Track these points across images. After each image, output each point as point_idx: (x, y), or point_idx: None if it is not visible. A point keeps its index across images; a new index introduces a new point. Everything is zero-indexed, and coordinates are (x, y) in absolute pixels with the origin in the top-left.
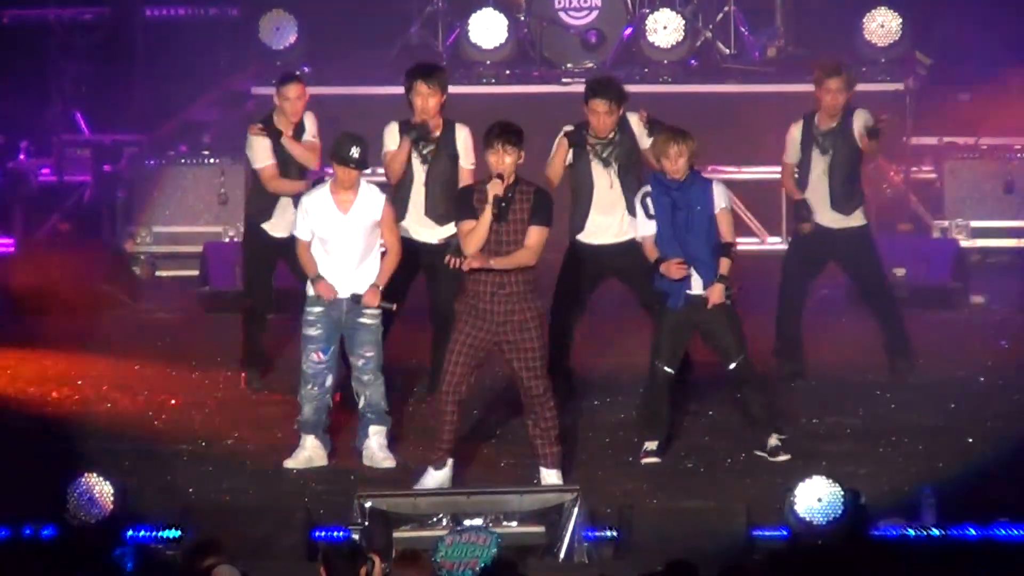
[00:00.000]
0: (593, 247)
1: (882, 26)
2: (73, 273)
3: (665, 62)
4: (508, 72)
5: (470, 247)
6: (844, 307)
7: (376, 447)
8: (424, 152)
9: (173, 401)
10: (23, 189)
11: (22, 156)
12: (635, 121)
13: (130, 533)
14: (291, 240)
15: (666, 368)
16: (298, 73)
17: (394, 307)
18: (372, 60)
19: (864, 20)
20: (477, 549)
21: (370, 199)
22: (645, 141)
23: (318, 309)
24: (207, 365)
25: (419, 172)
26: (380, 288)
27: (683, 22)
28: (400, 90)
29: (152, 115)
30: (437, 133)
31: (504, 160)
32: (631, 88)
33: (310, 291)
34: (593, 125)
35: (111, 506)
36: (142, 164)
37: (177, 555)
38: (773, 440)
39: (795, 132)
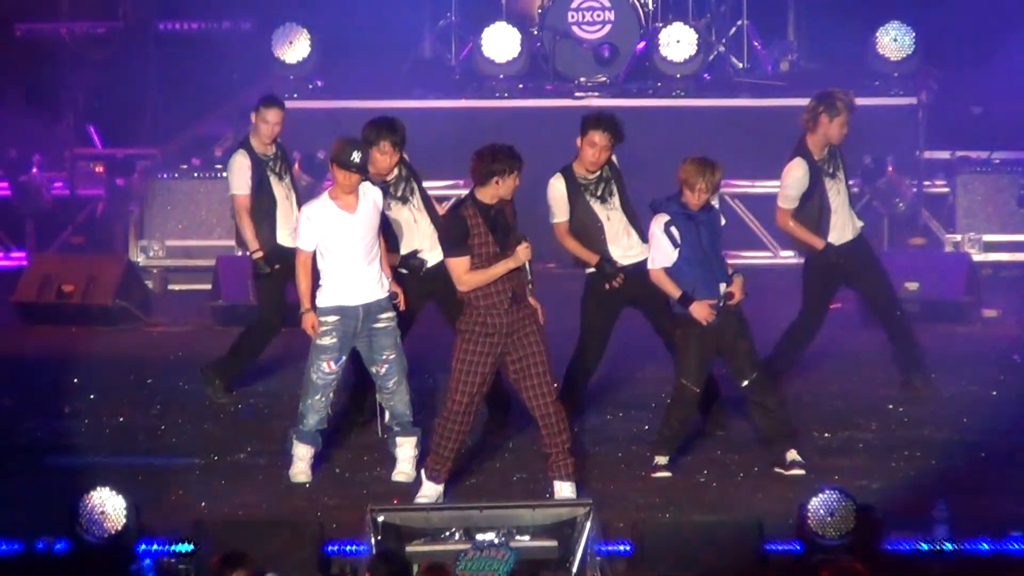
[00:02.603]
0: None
1: (894, 40)
2: (85, 287)
3: (678, 76)
4: (521, 86)
5: (472, 286)
6: (857, 322)
7: (405, 460)
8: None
9: (185, 415)
10: (36, 203)
11: (35, 170)
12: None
13: (142, 548)
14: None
15: (696, 388)
16: (279, 98)
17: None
18: (385, 74)
19: (877, 34)
20: (495, 563)
21: (372, 193)
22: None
23: (333, 318)
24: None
25: (419, 212)
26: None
27: (696, 36)
28: (413, 103)
29: (165, 129)
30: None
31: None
32: (644, 102)
33: (321, 301)
34: (584, 157)
35: (123, 521)
36: (155, 178)
37: (196, 568)
38: (791, 455)
39: (800, 172)
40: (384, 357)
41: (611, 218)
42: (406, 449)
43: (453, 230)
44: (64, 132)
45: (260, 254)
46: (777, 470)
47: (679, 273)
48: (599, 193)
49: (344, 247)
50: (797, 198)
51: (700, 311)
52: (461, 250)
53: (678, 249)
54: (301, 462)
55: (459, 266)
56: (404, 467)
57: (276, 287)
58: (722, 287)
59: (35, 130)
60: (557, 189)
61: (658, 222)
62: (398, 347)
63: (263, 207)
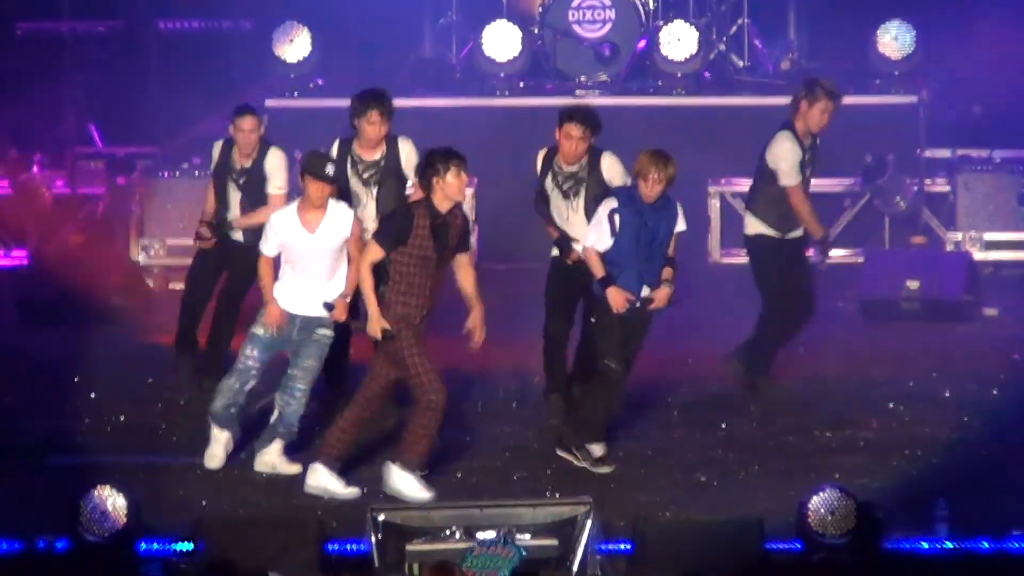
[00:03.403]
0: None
1: (896, 39)
2: (87, 285)
3: (679, 74)
4: (522, 84)
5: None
6: (858, 320)
7: (278, 456)
8: (366, 176)
9: (186, 414)
10: (36, 202)
11: (36, 169)
12: (608, 164)
13: (143, 546)
14: None
15: (619, 367)
16: (251, 106)
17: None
18: (386, 72)
19: (878, 33)
20: (500, 561)
21: (338, 217)
22: (618, 182)
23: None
24: (220, 377)
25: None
26: (347, 300)
27: (697, 35)
28: (414, 102)
29: (166, 128)
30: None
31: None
32: (645, 101)
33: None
34: (563, 150)
35: (124, 519)
36: (155, 176)
37: (198, 567)
38: (599, 450)
39: (788, 143)
40: (303, 365)
41: (570, 219)
42: (275, 447)
43: (397, 225)
44: (65, 131)
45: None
46: (563, 455)
47: (608, 259)
48: (565, 187)
49: (301, 262)
50: (796, 170)
51: (614, 297)
52: (390, 244)
53: (614, 237)
54: (216, 444)
55: (374, 253)
56: (267, 458)
57: (203, 267)
58: (645, 289)
59: (36, 129)
60: (537, 160)
61: (605, 205)
62: (319, 361)
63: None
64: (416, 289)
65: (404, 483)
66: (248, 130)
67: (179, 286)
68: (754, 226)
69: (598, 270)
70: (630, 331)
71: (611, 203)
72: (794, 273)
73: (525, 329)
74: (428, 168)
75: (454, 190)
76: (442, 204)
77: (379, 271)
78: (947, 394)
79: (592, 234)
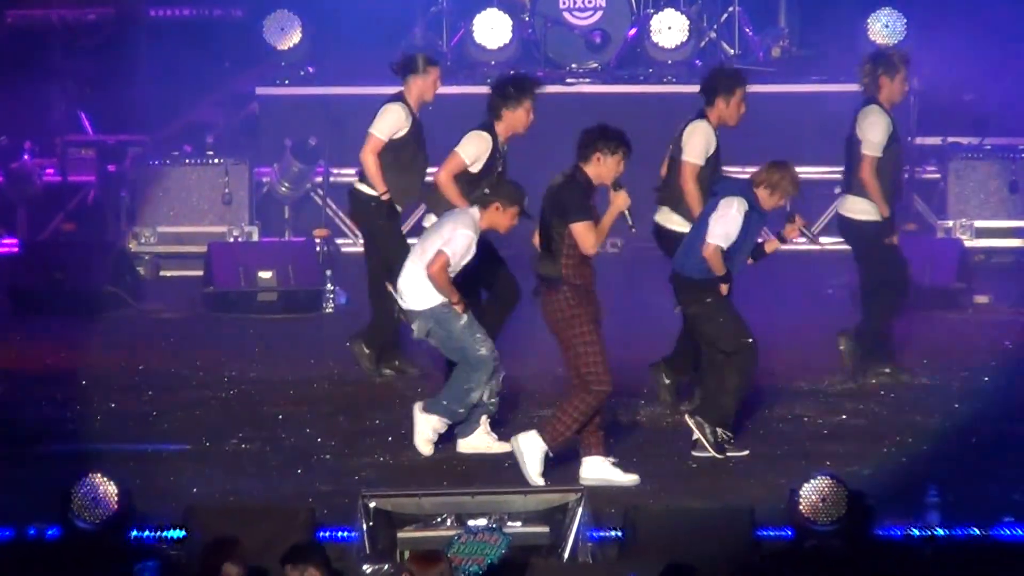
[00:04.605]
0: None
1: (886, 26)
2: (77, 273)
3: (669, 62)
4: (512, 72)
5: (599, 244)
6: (848, 306)
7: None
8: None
9: (177, 401)
10: (27, 189)
11: (26, 156)
12: None
13: (134, 534)
14: None
15: (750, 339)
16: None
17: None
18: (377, 60)
19: (868, 20)
20: (488, 547)
21: None
22: None
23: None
24: (211, 365)
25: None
26: None
27: (687, 22)
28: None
29: (156, 115)
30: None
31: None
32: (635, 89)
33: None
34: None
35: (116, 507)
36: (146, 164)
37: (188, 554)
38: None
39: (884, 119)
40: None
41: None
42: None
43: (579, 195)
44: (55, 118)
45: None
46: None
47: (726, 258)
48: (493, 162)
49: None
50: (882, 145)
51: (726, 289)
52: (587, 214)
53: (737, 237)
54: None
55: (586, 229)
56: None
57: None
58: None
59: (26, 116)
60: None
61: (741, 205)
62: None
63: None
64: (588, 260)
65: (605, 471)
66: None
67: (169, 273)
68: (862, 212)
69: (721, 268)
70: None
71: (744, 204)
72: (893, 253)
73: (517, 317)
74: (600, 141)
75: (610, 172)
76: (594, 179)
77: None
78: (938, 381)
79: (722, 231)
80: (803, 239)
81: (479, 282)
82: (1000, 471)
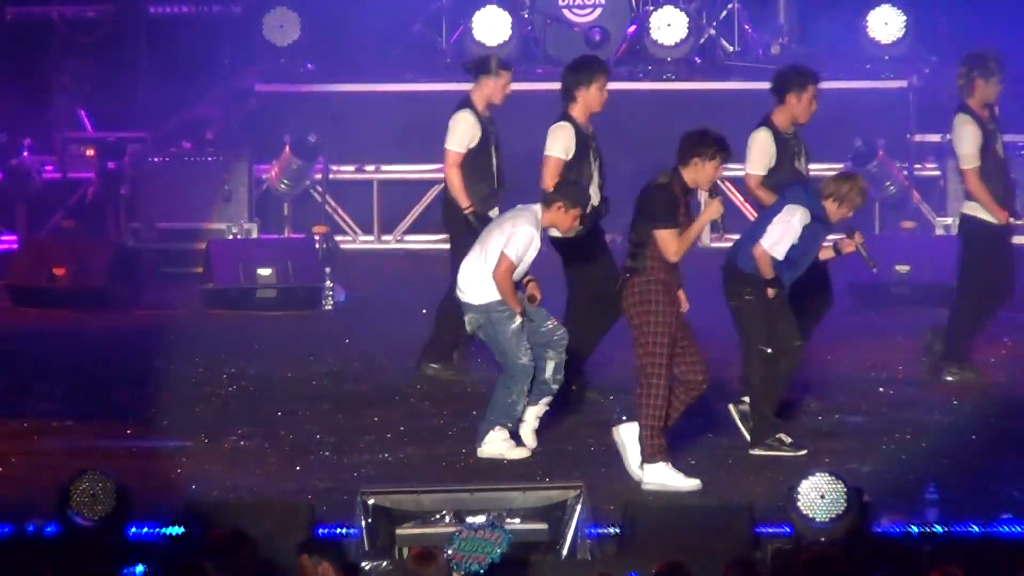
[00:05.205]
0: None
1: (886, 23)
2: (77, 270)
3: (669, 59)
4: (512, 69)
5: (682, 253)
6: (847, 304)
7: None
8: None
9: (176, 398)
10: (27, 186)
11: (26, 153)
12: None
13: (133, 530)
14: None
15: (800, 342)
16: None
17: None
18: (376, 57)
19: (868, 17)
20: (488, 545)
21: None
22: None
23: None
24: (210, 362)
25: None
26: None
27: (687, 20)
28: (404, 87)
29: (156, 112)
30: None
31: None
32: (635, 86)
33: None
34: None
35: (114, 503)
36: (146, 161)
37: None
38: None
39: (972, 127)
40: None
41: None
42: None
43: (664, 202)
44: (55, 115)
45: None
46: (760, 453)
47: (784, 264)
48: (584, 145)
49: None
50: (977, 155)
51: (771, 294)
52: (672, 221)
53: (793, 244)
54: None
55: (670, 237)
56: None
57: None
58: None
59: (26, 114)
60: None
61: (803, 216)
62: None
63: None
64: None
65: (666, 477)
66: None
67: (169, 270)
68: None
69: (769, 271)
70: None
71: (807, 214)
72: (1003, 256)
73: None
74: (698, 146)
75: (707, 177)
76: (690, 181)
77: None
78: (937, 379)
79: (779, 239)
80: (862, 257)
81: (585, 281)
82: (999, 468)
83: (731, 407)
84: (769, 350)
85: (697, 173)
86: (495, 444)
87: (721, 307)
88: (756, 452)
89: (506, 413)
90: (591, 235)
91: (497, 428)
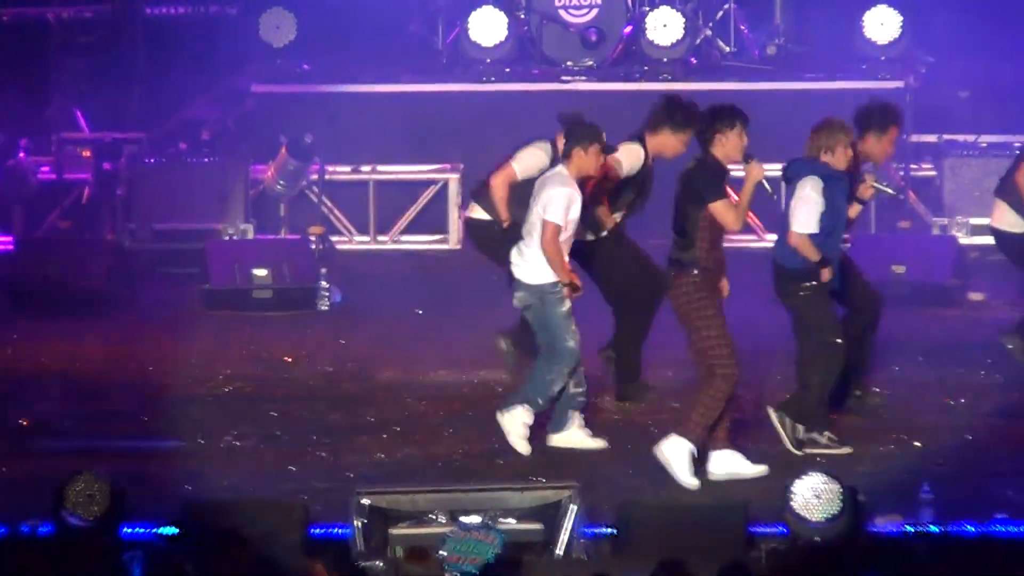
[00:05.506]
0: None
1: (882, 24)
2: (73, 271)
3: (665, 60)
4: (508, 70)
5: (742, 218)
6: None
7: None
8: None
9: (171, 397)
10: (23, 187)
11: (22, 154)
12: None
13: (127, 531)
14: None
15: (840, 339)
16: None
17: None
18: (372, 58)
19: (864, 18)
20: (483, 546)
21: None
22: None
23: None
24: (206, 362)
25: None
26: None
27: (683, 20)
28: (400, 87)
29: (152, 113)
30: None
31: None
32: (631, 86)
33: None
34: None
35: (108, 504)
36: (142, 162)
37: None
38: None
39: None
40: None
41: None
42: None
43: (709, 177)
44: (51, 116)
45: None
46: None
47: (821, 239)
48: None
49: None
50: None
51: (828, 275)
52: (722, 192)
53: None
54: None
55: (726, 207)
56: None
57: None
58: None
59: (22, 114)
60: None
61: (815, 184)
62: None
63: None
64: (720, 244)
65: (734, 465)
66: None
67: (165, 271)
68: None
69: (814, 254)
70: None
71: (813, 180)
72: None
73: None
74: (716, 121)
75: (736, 148)
76: (724, 159)
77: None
78: (933, 379)
79: (801, 215)
80: (886, 194)
81: (624, 278)
82: (994, 468)
83: (770, 411)
84: (839, 340)
85: (725, 147)
86: (515, 420)
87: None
88: (802, 451)
89: (541, 392)
90: (610, 238)
91: (526, 406)
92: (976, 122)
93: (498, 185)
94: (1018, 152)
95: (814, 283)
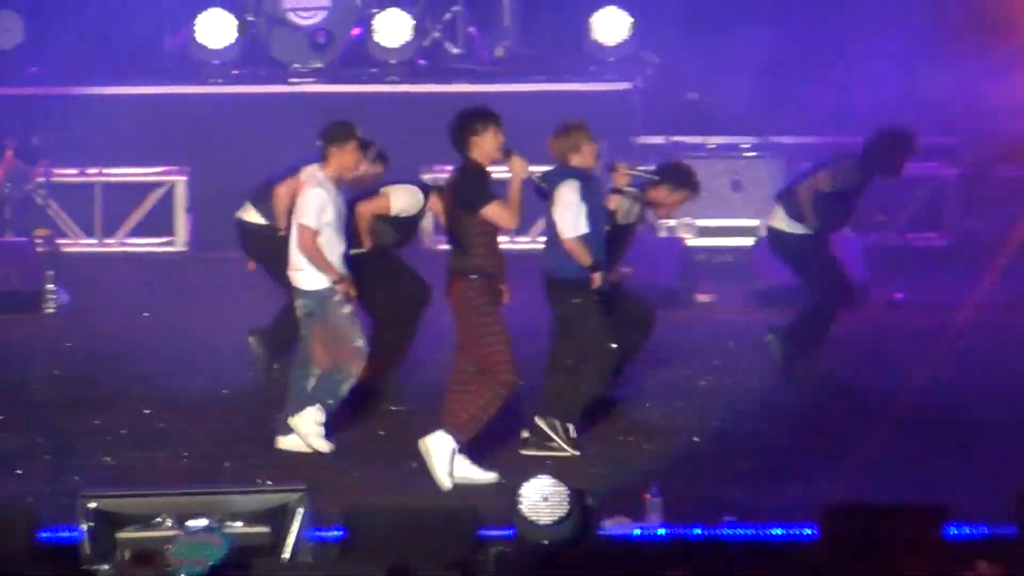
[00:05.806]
0: None
1: (610, 26)
2: None
3: (393, 62)
4: (235, 72)
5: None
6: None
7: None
8: None
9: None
10: None
11: None
12: None
13: None
14: None
15: (613, 345)
16: None
17: None
18: (99, 59)
19: (592, 19)
20: (208, 548)
21: None
22: None
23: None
24: None
25: None
26: None
27: (411, 22)
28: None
29: None
30: None
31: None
32: (359, 88)
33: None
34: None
35: None
36: None
37: None
38: (573, 431)
39: None
40: None
41: None
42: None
43: (476, 183)
44: None
45: None
46: (541, 424)
47: (589, 240)
48: None
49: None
50: None
51: (599, 280)
52: (492, 195)
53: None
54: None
55: (499, 209)
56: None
57: None
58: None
59: None
60: None
61: (571, 186)
62: None
63: None
64: (498, 249)
65: (439, 453)
66: None
67: None
68: None
69: (586, 258)
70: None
71: (573, 183)
72: None
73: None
74: (465, 126)
75: (493, 147)
76: (484, 161)
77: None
78: (661, 381)
79: (569, 219)
80: (640, 182)
81: (388, 290)
82: (722, 470)
83: (538, 419)
84: (612, 345)
85: (483, 148)
86: (307, 421)
87: None
88: (526, 452)
89: (331, 392)
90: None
91: (317, 406)
92: (704, 124)
93: (283, 195)
94: (810, 167)
95: (586, 291)
